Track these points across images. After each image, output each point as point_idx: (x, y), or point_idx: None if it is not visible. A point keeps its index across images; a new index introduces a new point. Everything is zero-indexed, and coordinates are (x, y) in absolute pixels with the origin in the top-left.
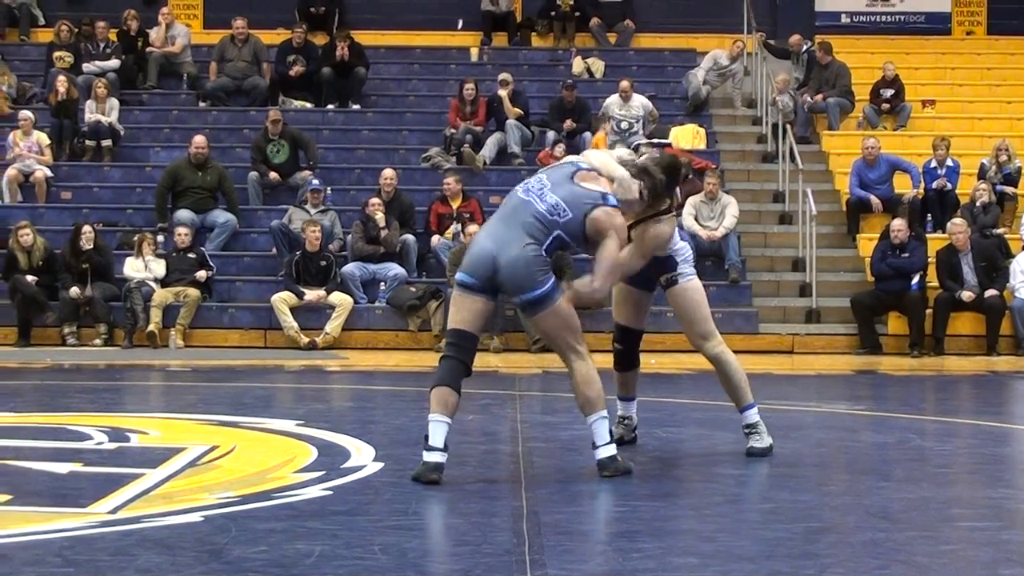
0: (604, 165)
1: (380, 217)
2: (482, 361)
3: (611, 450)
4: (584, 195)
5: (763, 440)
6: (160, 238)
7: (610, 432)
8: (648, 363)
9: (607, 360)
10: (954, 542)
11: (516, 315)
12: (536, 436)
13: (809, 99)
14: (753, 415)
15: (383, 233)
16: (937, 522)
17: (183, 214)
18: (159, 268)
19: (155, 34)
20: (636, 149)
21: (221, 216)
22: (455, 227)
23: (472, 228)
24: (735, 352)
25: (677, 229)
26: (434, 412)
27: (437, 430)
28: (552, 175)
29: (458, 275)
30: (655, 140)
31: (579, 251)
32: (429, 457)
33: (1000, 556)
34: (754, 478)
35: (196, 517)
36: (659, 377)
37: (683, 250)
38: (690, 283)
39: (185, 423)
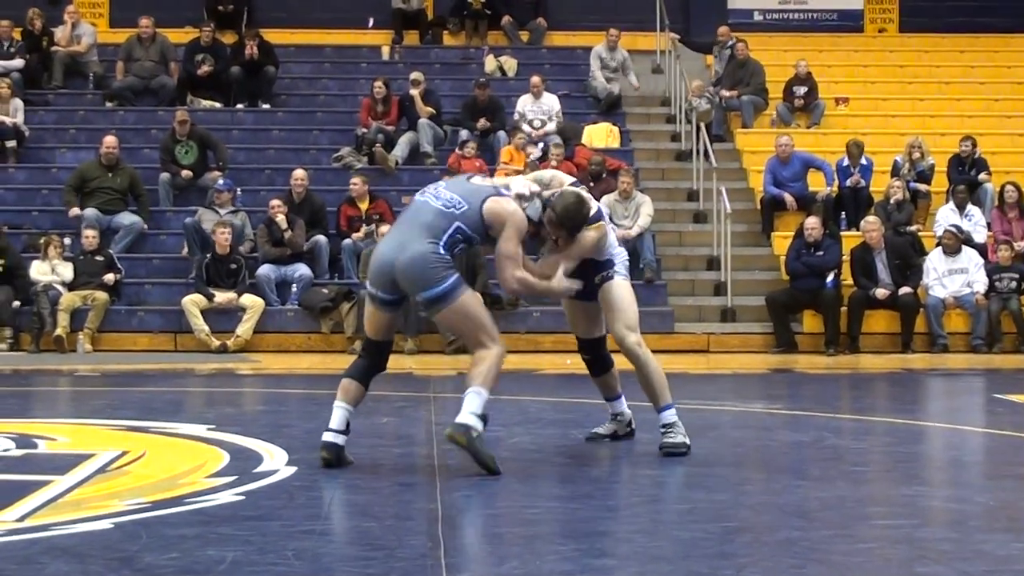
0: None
1: (282, 219)
2: (396, 363)
3: (470, 419)
4: (477, 189)
5: (679, 438)
6: (67, 240)
7: (484, 414)
8: (564, 363)
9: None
10: (870, 540)
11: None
12: None
13: (725, 94)
14: (670, 415)
15: (287, 235)
16: (853, 520)
17: (90, 214)
18: (66, 271)
19: (60, 33)
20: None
21: (127, 218)
22: (367, 228)
23: (384, 228)
24: (651, 351)
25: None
26: (337, 400)
27: (336, 414)
28: (449, 182)
29: (368, 287)
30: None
31: (484, 244)
32: (325, 437)
33: (916, 554)
34: (671, 478)
35: (106, 524)
36: (575, 377)
37: (621, 255)
38: (623, 281)
39: (94, 429)
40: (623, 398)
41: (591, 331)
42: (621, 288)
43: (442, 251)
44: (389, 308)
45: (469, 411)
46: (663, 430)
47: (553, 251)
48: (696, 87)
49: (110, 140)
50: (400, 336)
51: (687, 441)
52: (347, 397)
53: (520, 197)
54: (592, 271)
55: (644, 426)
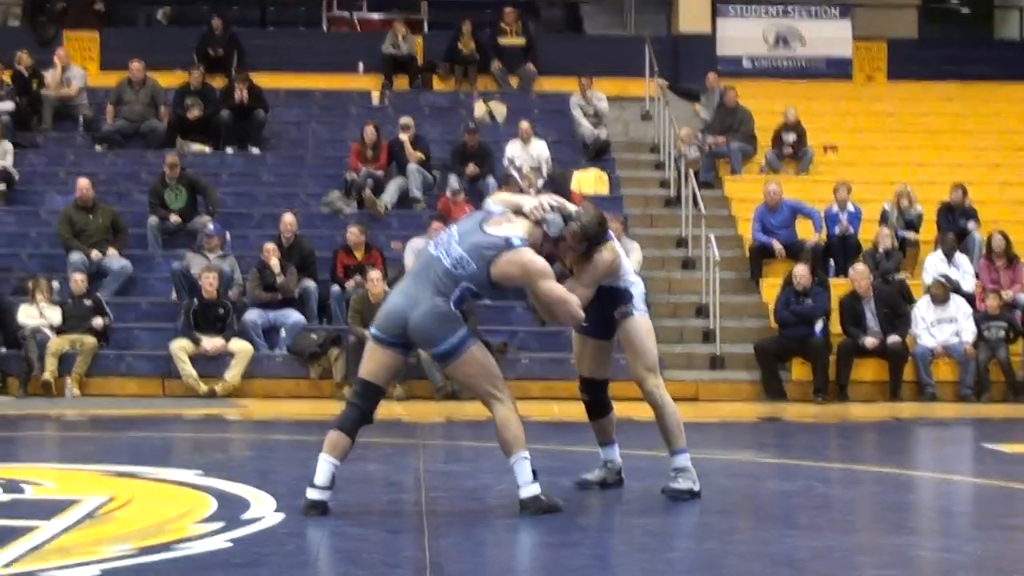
0: (508, 201)
1: (275, 263)
2: (385, 410)
3: (532, 490)
4: (487, 244)
5: (683, 484)
6: (55, 284)
7: (534, 472)
8: (552, 411)
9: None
10: None
11: (419, 363)
12: (439, 485)
13: (711, 141)
14: (683, 460)
15: (279, 279)
16: (842, 570)
17: (76, 259)
18: (55, 315)
19: (50, 76)
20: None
21: (116, 262)
22: (356, 278)
23: (375, 274)
24: (637, 400)
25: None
26: (323, 452)
27: (321, 468)
28: (462, 226)
29: (372, 329)
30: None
31: (491, 298)
32: (309, 494)
33: None
34: (660, 527)
35: (93, 571)
36: (564, 426)
37: (637, 284)
38: (643, 318)
39: (81, 474)
40: (616, 445)
41: (596, 371)
42: (642, 327)
43: (452, 307)
44: (394, 350)
45: (524, 482)
46: (673, 473)
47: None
48: (685, 135)
49: (83, 183)
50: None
51: (694, 488)
52: (334, 451)
53: (542, 220)
54: (609, 304)
55: (634, 474)
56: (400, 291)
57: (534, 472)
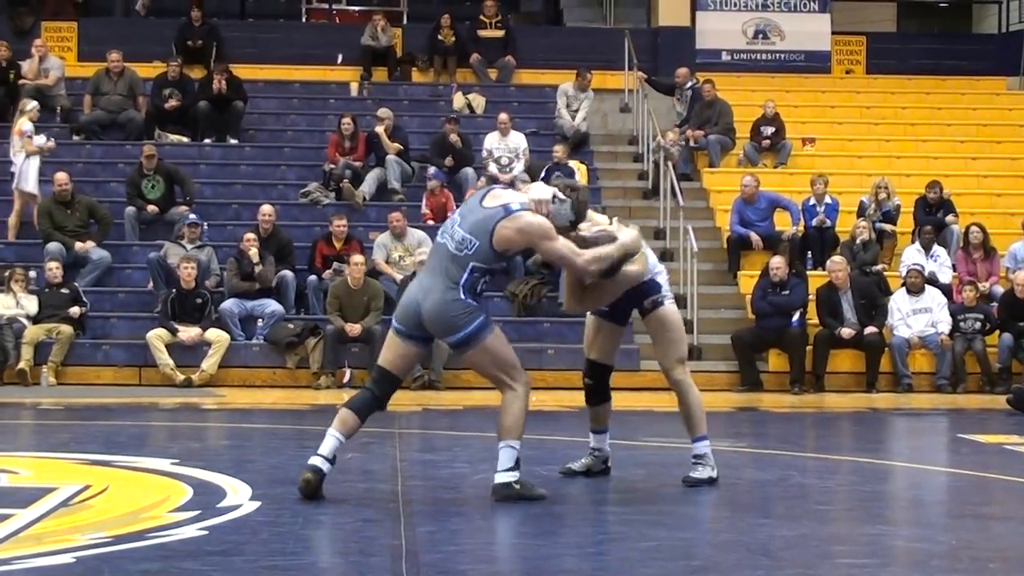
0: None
1: (254, 252)
2: None
3: (507, 477)
4: (486, 217)
5: (704, 472)
6: (32, 274)
7: (517, 462)
8: (531, 400)
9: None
10: None
11: None
12: (415, 474)
13: (689, 135)
14: (703, 447)
15: (257, 269)
16: (817, 559)
17: (53, 248)
18: (31, 304)
19: (28, 66)
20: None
21: (95, 252)
22: (338, 266)
23: (357, 258)
24: (614, 390)
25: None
26: (331, 427)
27: (327, 441)
28: (464, 208)
29: (393, 322)
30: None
31: (505, 271)
32: (312, 460)
33: None
34: (636, 516)
35: (67, 558)
36: (540, 415)
37: (663, 273)
38: (673, 307)
39: (57, 462)
40: (608, 434)
41: (605, 357)
42: (672, 316)
43: (463, 296)
44: (412, 342)
45: (503, 468)
46: (694, 461)
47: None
48: (670, 140)
49: (61, 177)
50: (365, 373)
51: (713, 475)
52: (343, 428)
53: (553, 198)
54: (634, 293)
55: (617, 464)
56: (416, 283)
57: (518, 461)
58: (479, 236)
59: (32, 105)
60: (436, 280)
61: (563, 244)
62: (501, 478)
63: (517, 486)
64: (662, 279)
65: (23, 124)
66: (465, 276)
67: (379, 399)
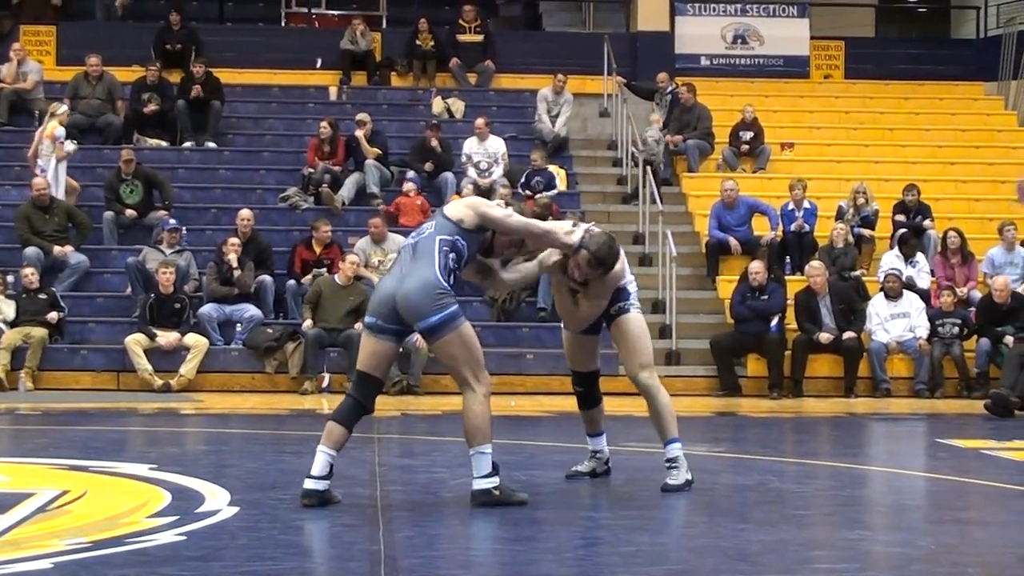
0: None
1: (233, 258)
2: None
3: (484, 484)
4: (443, 212)
5: (680, 477)
6: (10, 278)
7: (495, 465)
8: (509, 405)
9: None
10: None
11: None
12: (394, 479)
13: (668, 140)
14: (675, 450)
15: (236, 274)
16: (796, 564)
17: (30, 253)
18: (9, 309)
19: (6, 70)
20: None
21: (73, 257)
22: (316, 271)
23: (352, 257)
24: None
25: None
26: (321, 444)
27: (318, 459)
28: (430, 220)
29: (365, 318)
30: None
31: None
32: (306, 484)
33: None
34: (614, 521)
35: (46, 564)
36: (519, 419)
37: (633, 282)
38: (639, 315)
39: (34, 467)
40: (604, 436)
41: (588, 364)
42: (636, 323)
43: (440, 277)
44: (388, 338)
45: (480, 475)
46: (667, 465)
47: (562, 281)
48: (655, 126)
49: (38, 182)
50: (344, 378)
51: (689, 477)
52: (331, 442)
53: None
54: (608, 302)
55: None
56: (390, 275)
57: (495, 465)
58: (436, 218)
59: (63, 109)
60: (412, 265)
61: (516, 218)
62: (480, 485)
63: (497, 492)
64: (632, 287)
65: (55, 129)
66: (437, 254)
67: (363, 405)
